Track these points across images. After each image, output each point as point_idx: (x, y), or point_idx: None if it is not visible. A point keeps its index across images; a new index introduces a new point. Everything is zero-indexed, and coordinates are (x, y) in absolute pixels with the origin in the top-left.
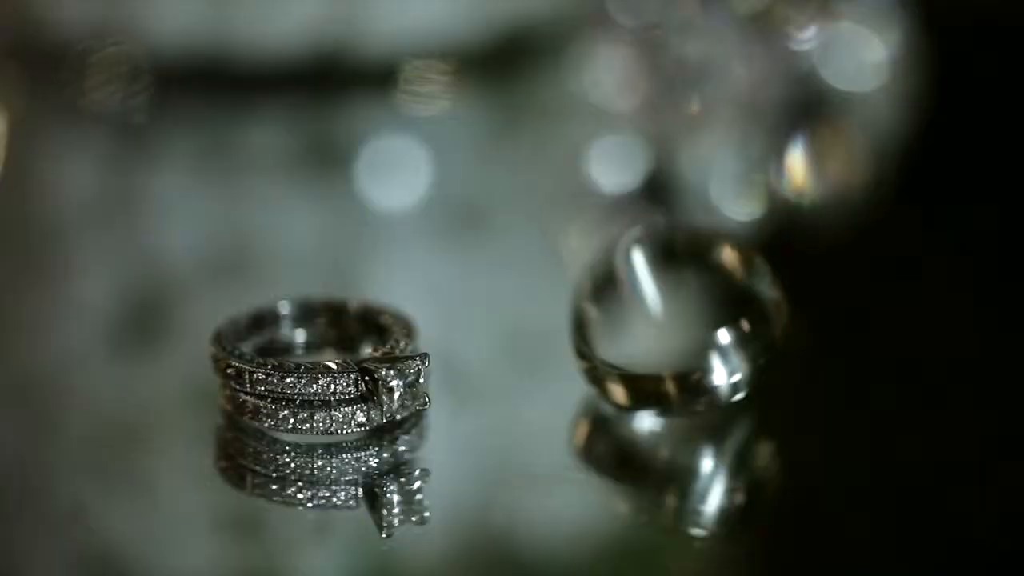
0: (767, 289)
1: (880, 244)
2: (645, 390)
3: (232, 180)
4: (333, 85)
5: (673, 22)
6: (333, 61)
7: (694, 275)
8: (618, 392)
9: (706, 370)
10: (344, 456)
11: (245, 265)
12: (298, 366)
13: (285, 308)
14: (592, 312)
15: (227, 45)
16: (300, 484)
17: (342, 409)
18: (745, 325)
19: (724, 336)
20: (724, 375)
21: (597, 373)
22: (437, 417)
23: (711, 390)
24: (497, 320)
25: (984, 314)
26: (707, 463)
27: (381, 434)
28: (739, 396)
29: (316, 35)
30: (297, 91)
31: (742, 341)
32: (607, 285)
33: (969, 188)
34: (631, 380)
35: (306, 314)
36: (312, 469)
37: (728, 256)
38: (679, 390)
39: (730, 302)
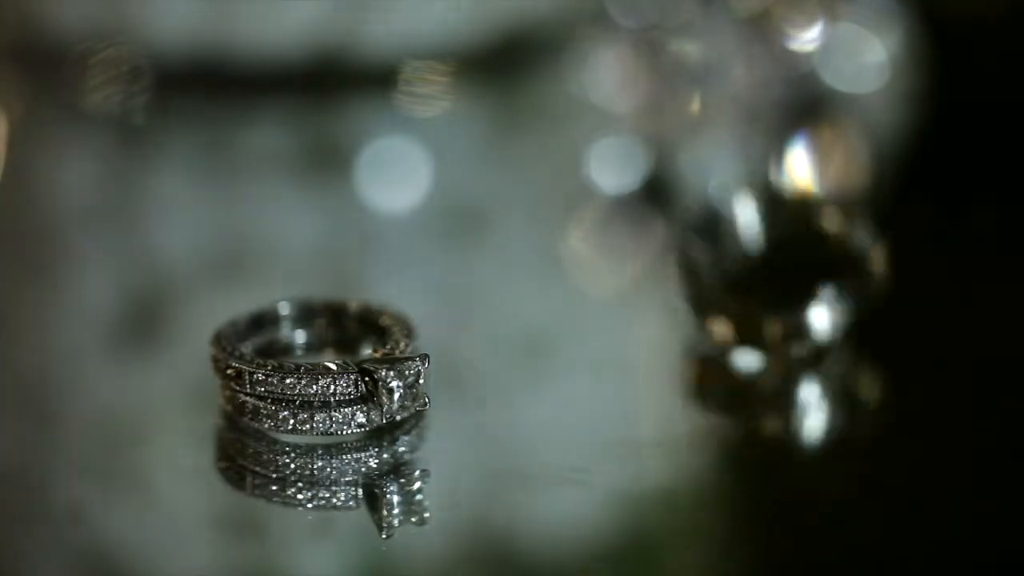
0: (867, 246)
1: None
2: (747, 329)
3: (232, 180)
4: (333, 86)
5: (673, 23)
6: (333, 62)
7: (799, 230)
8: (722, 329)
9: (805, 316)
10: (344, 457)
11: (245, 266)
12: (298, 367)
13: (285, 309)
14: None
15: (227, 45)
16: (300, 485)
17: (342, 410)
18: (843, 279)
19: (824, 288)
20: (821, 324)
21: (702, 309)
22: (437, 418)
23: (807, 336)
24: (497, 321)
25: (984, 314)
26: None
27: (381, 435)
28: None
29: (316, 36)
30: (297, 92)
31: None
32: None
33: (969, 188)
34: (735, 318)
35: (306, 315)
36: (312, 470)
37: (831, 215)
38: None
39: (832, 257)
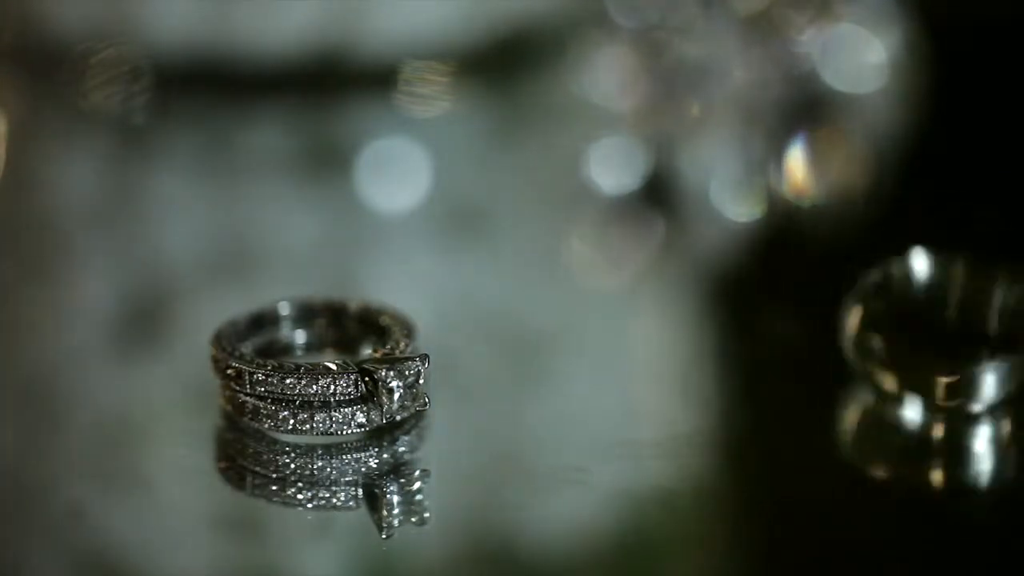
0: None
1: (879, 245)
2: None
3: (232, 181)
4: (333, 86)
5: (673, 23)
6: (333, 62)
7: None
8: (887, 379)
9: (974, 372)
10: (344, 457)
11: (245, 266)
12: (298, 367)
13: (285, 309)
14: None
15: (227, 45)
16: (300, 485)
17: (342, 410)
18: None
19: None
20: (989, 387)
21: (867, 357)
22: (437, 418)
23: (972, 394)
24: (497, 321)
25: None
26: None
27: (381, 435)
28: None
29: (316, 36)
30: (297, 92)
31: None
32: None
33: (969, 188)
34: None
35: (306, 315)
36: (312, 470)
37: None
38: (945, 387)
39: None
